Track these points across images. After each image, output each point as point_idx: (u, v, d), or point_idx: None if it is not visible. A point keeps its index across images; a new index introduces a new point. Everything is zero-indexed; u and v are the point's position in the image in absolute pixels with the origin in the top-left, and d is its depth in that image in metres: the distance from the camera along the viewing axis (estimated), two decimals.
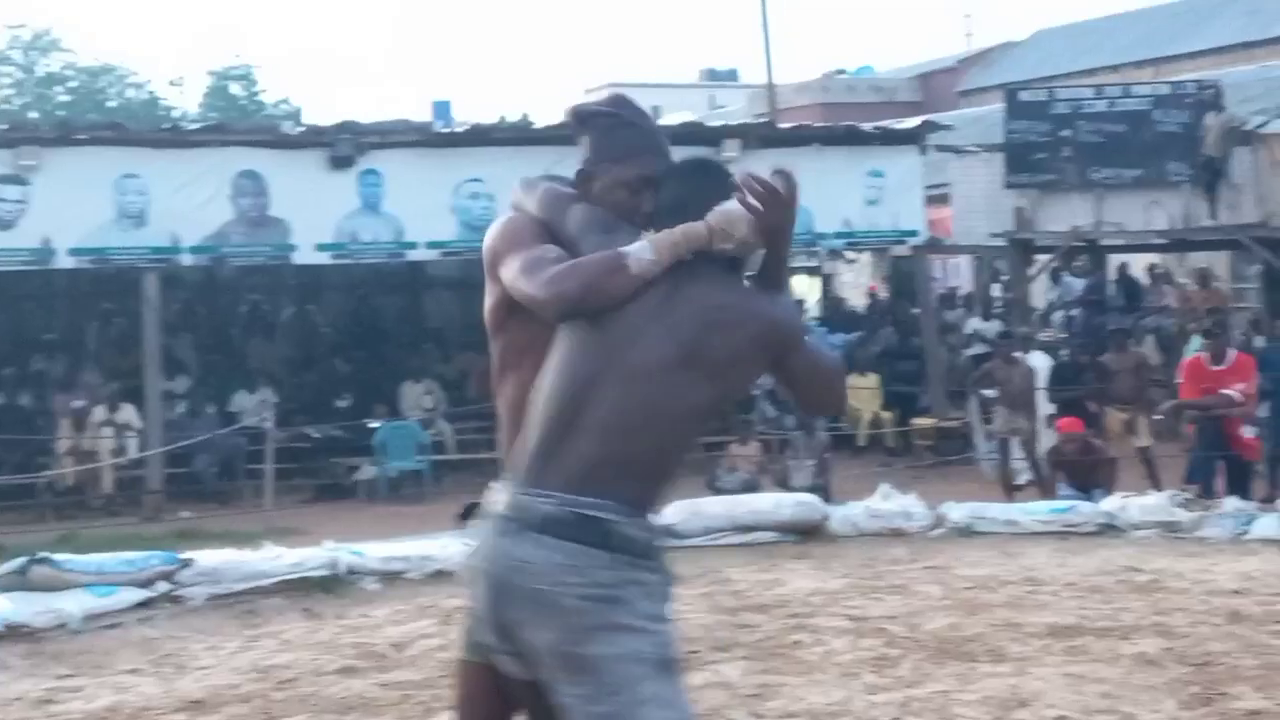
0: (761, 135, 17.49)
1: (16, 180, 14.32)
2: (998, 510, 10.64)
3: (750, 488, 13.71)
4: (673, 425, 3.04)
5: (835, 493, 12.83)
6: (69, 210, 14.35)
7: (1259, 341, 15.96)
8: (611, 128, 3.24)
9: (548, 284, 3.02)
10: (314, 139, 15.61)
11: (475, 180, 15.46)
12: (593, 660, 2.92)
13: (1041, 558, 9.19)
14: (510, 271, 3.14)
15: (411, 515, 12.97)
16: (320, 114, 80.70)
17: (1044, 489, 12.49)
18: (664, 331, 3.01)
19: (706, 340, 3.02)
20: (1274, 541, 9.43)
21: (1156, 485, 12.28)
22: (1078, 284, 20.68)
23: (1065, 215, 18.91)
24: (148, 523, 13.53)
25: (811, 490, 12.41)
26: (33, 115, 35.95)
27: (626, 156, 3.19)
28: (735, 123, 19.89)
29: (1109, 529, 10.04)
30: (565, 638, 2.94)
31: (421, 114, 35.00)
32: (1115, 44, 33.46)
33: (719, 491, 13.64)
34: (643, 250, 3.04)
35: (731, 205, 3.09)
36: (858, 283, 24.76)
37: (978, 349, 17.78)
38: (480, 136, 16.20)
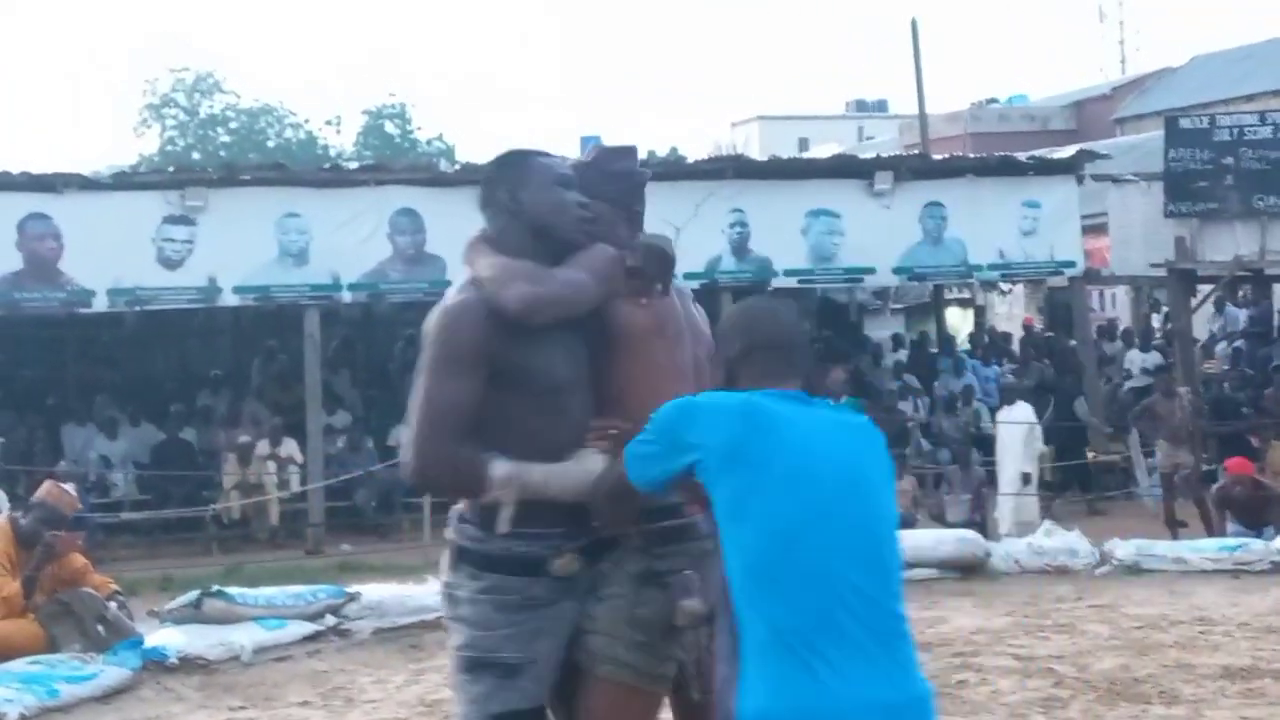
0: (914, 167, 17.37)
1: (184, 220, 14.73)
2: (1165, 548, 10.40)
3: (905, 523, 13.57)
4: None
5: (991, 528, 12.64)
6: (233, 249, 14.73)
7: None
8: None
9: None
10: (469, 176, 15.81)
11: None
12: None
13: (1212, 597, 8.96)
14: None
15: None
16: (470, 142, 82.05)
17: (1209, 527, 12.15)
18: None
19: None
20: None
21: None
22: (1241, 315, 20.16)
23: (1228, 244, 18.42)
24: (310, 556, 13.76)
25: (967, 526, 12.24)
26: (195, 156, 37.06)
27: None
28: (888, 154, 19.77)
29: None
30: None
31: (570, 148, 35.40)
32: (1276, 69, 32.59)
33: None
34: None
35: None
36: (1012, 314, 24.40)
37: (1138, 382, 17.43)
38: None
